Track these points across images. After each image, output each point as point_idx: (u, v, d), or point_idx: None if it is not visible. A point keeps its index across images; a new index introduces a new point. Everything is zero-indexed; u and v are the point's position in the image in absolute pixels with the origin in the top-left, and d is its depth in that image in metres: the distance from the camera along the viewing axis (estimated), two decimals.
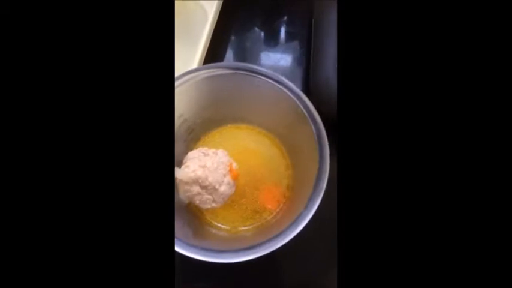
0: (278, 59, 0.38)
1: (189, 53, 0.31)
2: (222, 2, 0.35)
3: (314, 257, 0.27)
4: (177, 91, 0.21)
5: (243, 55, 0.40)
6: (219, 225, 0.25)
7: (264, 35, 0.40)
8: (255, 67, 0.20)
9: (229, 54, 0.38)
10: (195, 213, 0.25)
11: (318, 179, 0.17)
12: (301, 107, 0.19)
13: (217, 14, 0.34)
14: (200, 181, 0.23)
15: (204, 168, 0.23)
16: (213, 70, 0.21)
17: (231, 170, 0.24)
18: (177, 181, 0.24)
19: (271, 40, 0.40)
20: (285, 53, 0.39)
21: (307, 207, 0.17)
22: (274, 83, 0.20)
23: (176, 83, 0.21)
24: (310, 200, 0.17)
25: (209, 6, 0.34)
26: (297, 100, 0.19)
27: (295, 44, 0.39)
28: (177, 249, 0.18)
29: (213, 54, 0.35)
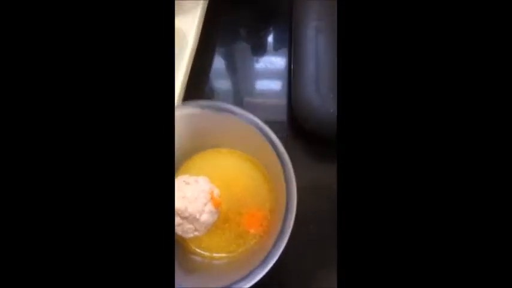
0: (265, 69, 0.38)
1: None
2: (201, 26, 0.35)
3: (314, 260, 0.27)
4: None
5: (232, 67, 0.40)
6: (203, 252, 0.25)
7: (251, 46, 0.41)
8: (221, 105, 0.21)
9: (217, 65, 0.38)
10: (178, 242, 0.26)
11: (285, 218, 0.18)
12: (269, 144, 0.19)
13: (198, 39, 0.34)
14: (179, 212, 0.23)
15: (183, 199, 0.23)
16: (188, 109, 0.22)
17: (212, 198, 0.25)
18: None
19: (258, 50, 0.40)
20: (272, 62, 0.39)
21: (275, 246, 0.17)
22: (242, 120, 0.20)
23: None
24: (278, 240, 0.17)
25: (188, 27, 0.34)
26: (265, 138, 0.20)
27: (283, 51, 0.39)
28: None
29: (200, 67, 0.35)
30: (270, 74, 0.38)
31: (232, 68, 0.40)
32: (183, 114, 0.23)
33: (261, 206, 0.26)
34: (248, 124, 0.21)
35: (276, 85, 0.38)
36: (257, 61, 0.39)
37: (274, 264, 0.18)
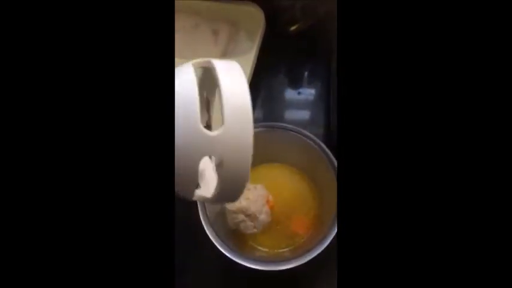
0: (302, 101, 0.44)
1: None
2: (255, 61, 0.42)
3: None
4: None
5: (271, 98, 0.46)
6: (259, 248, 0.30)
7: (289, 80, 0.47)
8: (286, 125, 0.27)
9: (261, 98, 0.45)
10: (239, 237, 0.31)
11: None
12: (322, 154, 0.25)
13: (252, 74, 0.42)
14: (244, 210, 0.28)
15: (247, 200, 0.29)
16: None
17: (268, 202, 0.30)
18: (225, 210, 0.30)
19: (295, 84, 0.47)
20: (305, 93, 0.45)
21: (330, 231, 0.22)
22: (300, 136, 0.26)
23: None
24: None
25: (245, 66, 0.41)
26: (318, 149, 0.26)
27: (317, 85, 0.45)
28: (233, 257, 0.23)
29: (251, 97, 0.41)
30: (303, 104, 0.44)
31: (273, 98, 0.46)
32: None
33: (308, 212, 0.31)
34: (304, 139, 0.26)
35: (308, 112, 0.44)
36: (293, 92, 0.45)
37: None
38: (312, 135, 0.27)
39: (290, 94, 0.46)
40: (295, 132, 0.27)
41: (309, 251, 0.22)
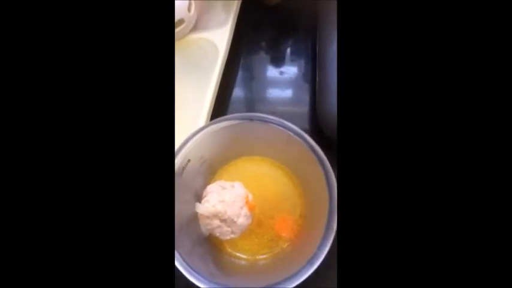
0: (285, 81, 0.40)
1: (204, 84, 0.33)
2: (231, 36, 0.37)
3: None
4: (199, 138, 0.23)
5: (251, 78, 0.42)
6: (239, 254, 0.27)
7: (270, 58, 0.43)
8: (265, 116, 0.23)
9: (240, 77, 0.40)
10: (215, 244, 0.27)
11: (329, 220, 0.19)
12: (309, 149, 0.21)
13: (228, 47, 0.36)
14: (220, 215, 0.24)
15: (223, 202, 0.25)
16: (229, 122, 0.24)
17: (247, 202, 0.26)
18: (198, 215, 0.25)
19: (277, 62, 0.42)
20: (291, 73, 0.41)
21: (320, 248, 0.18)
22: (282, 129, 0.22)
23: (199, 134, 0.23)
24: (322, 241, 0.18)
25: (219, 41, 0.36)
26: (304, 142, 0.21)
27: (301, 63, 0.41)
28: (201, 285, 0.19)
29: (226, 80, 0.37)
30: (287, 83, 0.40)
31: (254, 77, 0.42)
32: (220, 127, 0.25)
33: (292, 211, 0.28)
34: (286, 131, 0.22)
35: (292, 93, 0.40)
36: (275, 71, 0.41)
37: None
38: (294, 127, 0.22)
39: (271, 73, 0.41)
40: (276, 124, 0.23)
41: (297, 273, 0.18)
